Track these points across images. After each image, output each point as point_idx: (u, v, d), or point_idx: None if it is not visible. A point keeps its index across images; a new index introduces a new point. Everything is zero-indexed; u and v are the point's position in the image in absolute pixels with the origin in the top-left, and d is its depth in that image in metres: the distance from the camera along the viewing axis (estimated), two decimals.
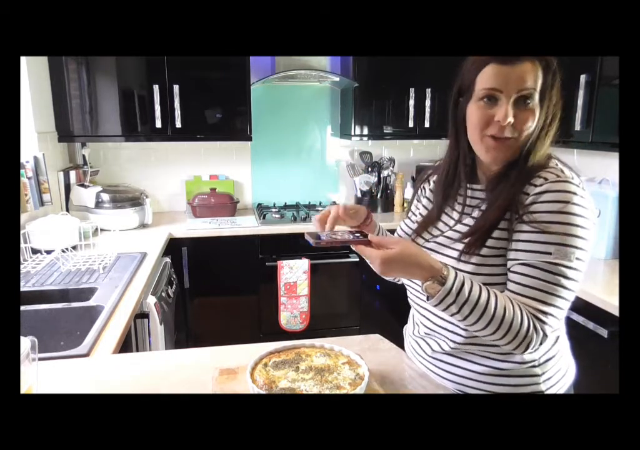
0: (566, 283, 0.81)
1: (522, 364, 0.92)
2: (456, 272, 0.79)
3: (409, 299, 1.09)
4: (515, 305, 0.80)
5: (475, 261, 0.88)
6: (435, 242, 0.97)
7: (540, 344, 0.81)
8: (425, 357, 1.03)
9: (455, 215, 0.98)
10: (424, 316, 1.02)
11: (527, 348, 0.80)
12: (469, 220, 0.93)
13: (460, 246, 0.90)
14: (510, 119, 0.81)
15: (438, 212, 1.00)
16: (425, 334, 1.03)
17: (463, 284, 0.78)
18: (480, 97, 0.85)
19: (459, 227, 0.94)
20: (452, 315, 0.80)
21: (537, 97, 0.83)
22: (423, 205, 1.09)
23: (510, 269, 0.85)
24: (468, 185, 0.97)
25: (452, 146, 1.00)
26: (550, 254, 0.81)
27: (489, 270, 0.88)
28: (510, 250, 0.85)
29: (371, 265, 0.81)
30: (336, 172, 3.10)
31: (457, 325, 0.94)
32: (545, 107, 0.84)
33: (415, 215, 1.12)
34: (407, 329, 1.15)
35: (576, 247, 0.81)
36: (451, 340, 0.96)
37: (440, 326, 0.98)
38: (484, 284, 0.83)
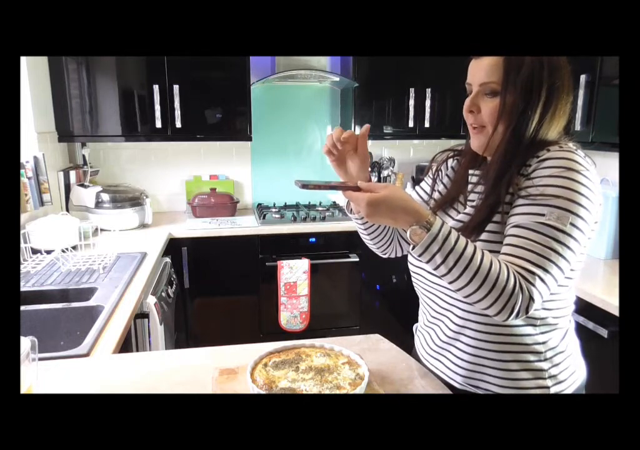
0: (558, 247, 0.78)
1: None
2: (443, 221, 0.78)
3: (415, 287, 1.07)
4: (502, 263, 0.78)
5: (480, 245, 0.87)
6: (455, 220, 0.99)
7: (527, 311, 0.78)
8: (433, 347, 1.02)
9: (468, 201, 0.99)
10: (430, 300, 1.01)
11: (511, 311, 0.77)
12: (469, 210, 0.95)
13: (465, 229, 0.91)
14: (467, 108, 0.89)
15: (455, 193, 1.01)
16: (430, 322, 1.03)
17: (450, 233, 0.77)
18: (467, 90, 0.92)
19: (460, 216, 0.96)
20: (436, 267, 0.78)
21: (498, 88, 0.86)
22: (443, 183, 1.08)
23: (504, 234, 0.85)
24: (474, 172, 0.99)
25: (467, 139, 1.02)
26: (543, 215, 0.79)
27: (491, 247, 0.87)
28: (508, 217, 0.85)
29: (358, 208, 0.80)
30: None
31: (456, 305, 0.93)
32: (512, 97, 0.85)
33: (427, 193, 1.11)
34: (417, 325, 1.15)
35: (572, 213, 0.79)
36: (452, 322, 0.95)
37: (442, 308, 0.97)
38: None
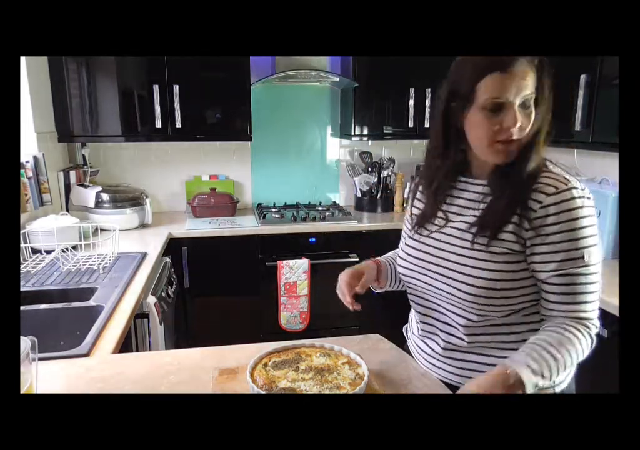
0: (592, 287, 0.89)
1: None
2: (526, 365, 0.83)
3: (410, 299, 1.09)
4: (570, 333, 0.87)
5: (486, 257, 0.91)
6: (441, 232, 1.00)
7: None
8: (433, 355, 1.04)
9: (456, 209, 1.00)
10: (426, 316, 1.05)
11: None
12: (475, 212, 0.96)
13: (469, 236, 0.93)
14: (520, 124, 0.86)
15: (432, 207, 1.02)
16: (428, 332, 1.05)
17: (539, 366, 0.83)
18: (485, 106, 0.86)
19: (466, 218, 0.97)
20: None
21: (534, 98, 0.88)
22: (416, 207, 1.10)
23: (545, 281, 0.90)
24: (468, 180, 1.00)
25: (439, 145, 0.98)
26: (577, 259, 0.87)
27: (498, 267, 0.91)
28: (535, 262, 0.90)
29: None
30: (336, 172, 3.10)
31: (456, 327, 0.98)
32: (542, 104, 0.88)
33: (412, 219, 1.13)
34: (410, 329, 1.15)
35: (591, 249, 0.87)
36: (454, 336, 0.99)
37: (442, 322, 1.01)
38: (495, 280, 0.90)
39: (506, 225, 0.90)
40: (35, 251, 1.85)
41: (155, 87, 2.40)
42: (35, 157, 2.08)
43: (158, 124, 2.45)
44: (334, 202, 3.06)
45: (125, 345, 1.29)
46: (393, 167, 2.92)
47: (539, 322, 0.95)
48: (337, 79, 2.68)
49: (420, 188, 1.08)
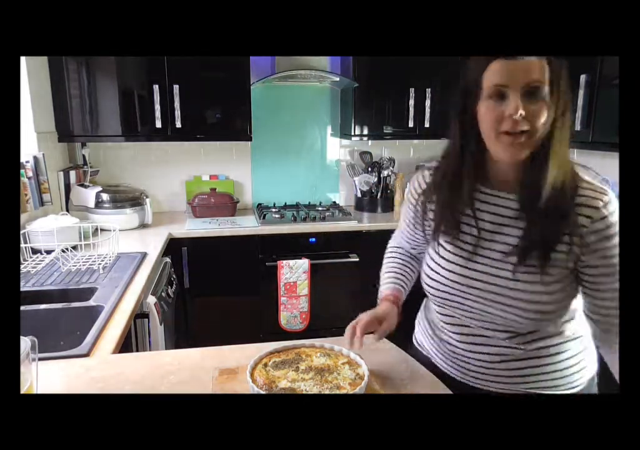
0: None
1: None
2: None
3: (436, 310, 1.05)
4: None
5: (540, 280, 0.89)
6: (480, 254, 0.94)
7: None
8: (481, 365, 1.00)
9: (489, 225, 0.94)
10: (462, 327, 1.00)
11: None
12: (510, 230, 0.92)
13: (516, 259, 0.89)
14: (521, 112, 0.80)
15: (455, 217, 0.96)
16: (465, 342, 1.01)
17: None
18: (489, 95, 0.84)
19: (506, 239, 0.92)
20: None
21: (546, 89, 0.82)
22: (432, 211, 1.02)
23: (603, 290, 0.88)
24: (493, 192, 0.95)
25: (456, 149, 0.95)
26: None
27: (554, 288, 0.89)
28: (593, 275, 0.88)
29: None
30: (336, 172, 3.10)
31: (503, 339, 0.96)
32: (555, 99, 0.83)
33: (415, 225, 1.09)
34: (427, 334, 1.13)
35: None
36: (502, 347, 0.97)
37: (484, 337, 0.98)
38: (551, 303, 0.89)
39: (557, 245, 0.87)
40: (35, 251, 1.85)
41: (155, 87, 2.40)
42: (35, 157, 2.08)
43: (158, 124, 2.45)
44: (334, 202, 3.06)
45: (125, 345, 1.29)
46: (393, 167, 2.92)
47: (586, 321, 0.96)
48: (337, 79, 2.68)
49: (436, 195, 1.00)
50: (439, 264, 0.99)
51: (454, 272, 0.96)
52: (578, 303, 0.96)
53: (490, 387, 1.00)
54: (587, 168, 0.92)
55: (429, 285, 1.02)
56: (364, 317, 1.02)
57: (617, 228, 0.85)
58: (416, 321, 1.22)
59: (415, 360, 1.07)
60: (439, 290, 0.99)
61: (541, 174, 0.85)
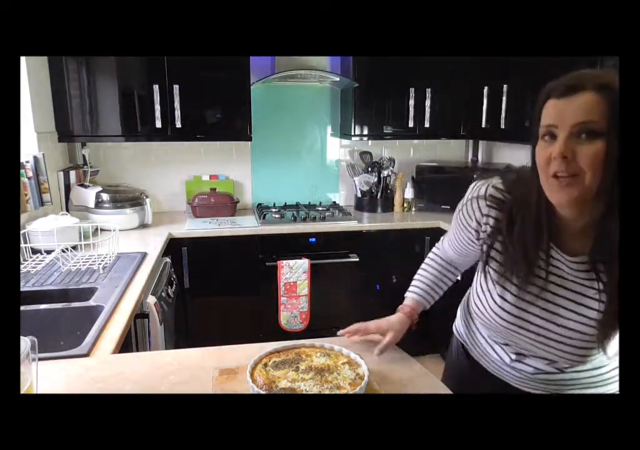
0: None
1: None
2: None
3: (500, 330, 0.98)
4: None
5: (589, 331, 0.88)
6: (547, 303, 0.90)
7: None
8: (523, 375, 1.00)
9: (556, 279, 0.89)
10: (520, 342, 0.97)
11: None
12: (592, 303, 0.87)
13: (594, 330, 0.86)
14: (561, 153, 0.75)
15: (527, 265, 0.89)
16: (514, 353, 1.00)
17: None
18: (542, 135, 0.80)
19: (586, 311, 0.88)
20: None
21: (601, 127, 0.74)
22: (498, 250, 0.94)
23: None
24: (564, 256, 0.88)
25: (535, 186, 0.85)
26: None
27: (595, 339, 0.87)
28: None
29: None
30: (336, 172, 3.10)
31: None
32: (615, 137, 0.73)
33: (469, 247, 1.02)
34: (469, 331, 1.12)
35: None
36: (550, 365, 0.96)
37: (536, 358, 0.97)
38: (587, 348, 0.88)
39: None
40: (35, 251, 1.85)
41: (155, 87, 2.40)
42: (35, 157, 2.08)
43: (158, 124, 2.45)
44: (334, 202, 3.06)
45: (125, 345, 1.29)
46: (393, 167, 2.92)
47: None
48: (337, 79, 2.68)
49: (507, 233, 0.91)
50: (494, 300, 0.95)
51: (510, 313, 0.93)
52: None
53: (521, 387, 1.01)
54: None
55: (479, 315, 0.99)
56: (370, 324, 1.07)
57: None
58: (459, 308, 1.22)
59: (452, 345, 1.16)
60: (489, 321, 0.97)
61: (615, 237, 0.74)
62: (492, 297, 0.95)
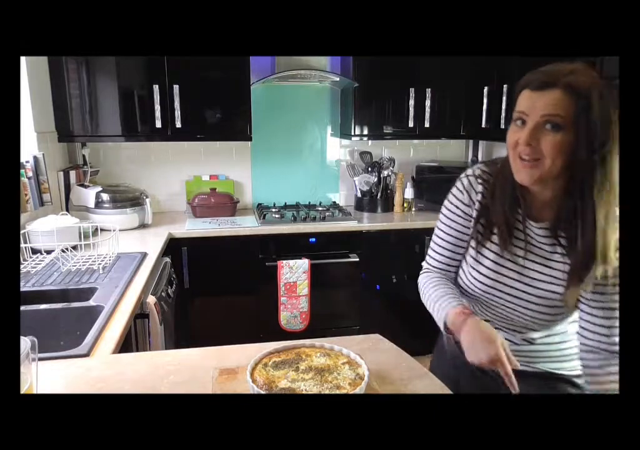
0: None
1: None
2: None
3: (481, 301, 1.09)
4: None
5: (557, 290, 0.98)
6: (515, 271, 1.01)
7: None
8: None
9: (535, 255, 1.00)
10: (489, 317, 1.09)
11: None
12: (559, 266, 0.97)
13: (564, 283, 0.96)
14: (527, 140, 0.85)
15: (508, 229, 1.00)
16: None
17: None
18: (514, 119, 0.90)
19: (553, 272, 0.98)
20: None
21: (565, 121, 0.84)
22: (481, 224, 1.04)
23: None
24: (531, 222, 0.99)
25: (509, 169, 0.96)
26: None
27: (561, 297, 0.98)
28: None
29: None
30: (336, 172, 3.10)
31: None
32: (582, 133, 0.83)
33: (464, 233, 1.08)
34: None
35: None
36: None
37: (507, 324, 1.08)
38: (555, 307, 0.99)
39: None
40: (35, 251, 1.85)
41: (155, 87, 2.40)
42: (35, 157, 2.08)
43: (158, 124, 2.45)
44: (334, 202, 3.06)
45: (125, 345, 1.29)
46: (393, 167, 2.92)
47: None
48: (337, 79, 2.68)
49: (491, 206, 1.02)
50: (475, 268, 1.05)
51: (488, 277, 1.04)
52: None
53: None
54: None
55: (462, 286, 1.10)
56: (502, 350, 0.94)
57: None
58: None
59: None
60: (471, 288, 1.07)
61: (577, 212, 0.88)
62: (474, 267, 1.06)
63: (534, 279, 0.99)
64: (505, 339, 1.00)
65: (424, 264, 1.16)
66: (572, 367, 1.08)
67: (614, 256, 0.86)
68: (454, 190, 1.08)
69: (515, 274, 1.01)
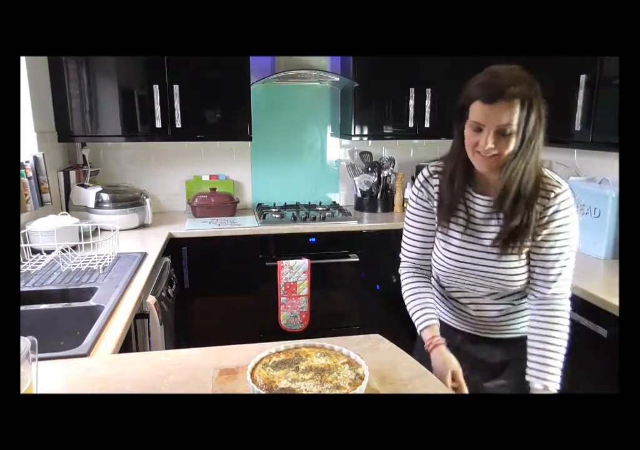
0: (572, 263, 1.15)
1: None
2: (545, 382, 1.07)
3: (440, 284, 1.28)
4: (557, 316, 1.12)
5: (517, 261, 1.14)
6: (472, 243, 1.18)
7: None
8: (465, 318, 1.28)
9: (476, 220, 1.17)
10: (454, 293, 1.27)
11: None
12: (495, 229, 1.15)
13: (499, 249, 1.13)
14: (490, 145, 1.02)
15: (449, 212, 1.18)
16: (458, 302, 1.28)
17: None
18: (470, 126, 1.05)
19: (488, 228, 1.16)
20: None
21: (514, 127, 1.01)
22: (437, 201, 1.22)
23: (546, 257, 1.13)
24: (478, 195, 1.17)
25: (454, 155, 1.16)
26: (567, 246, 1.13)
27: (525, 265, 1.15)
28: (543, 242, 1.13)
29: None
30: (336, 172, 3.10)
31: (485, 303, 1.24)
32: (522, 132, 1.02)
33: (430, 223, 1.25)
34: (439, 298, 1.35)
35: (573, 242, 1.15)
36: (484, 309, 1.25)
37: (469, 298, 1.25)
38: (524, 278, 1.16)
39: (527, 234, 1.11)
40: (35, 251, 1.84)
41: (155, 87, 2.40)
42: (35, 157, 2.08)
43: (158, 124, 2.45)
44: (334, 202, 3.06)
45: (125, 345, 1.29)
46: (393, 167, 2.92)
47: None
48: (337, 79, 2.68)
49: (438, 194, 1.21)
50: (445, 248, 1.22)
51: (456, 253, 1.20)
52: None
53: (489, 334, 1.26)
54: (554, 171, 1.14)
55: (437, 267, 1.25)
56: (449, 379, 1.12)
57: (566, 213, 1.10)
58: None
59: None
60: (443, 270, 1.23)
61: (508, 182, 1.07)
62: (445, 248, 1.21)
63: (487, 245, 1.15)
64: (478, 309, 1.24)
65: (400, 256, 1.31)
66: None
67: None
68: (413, 189, 1.26)
69: (475, 245, 1.17)
